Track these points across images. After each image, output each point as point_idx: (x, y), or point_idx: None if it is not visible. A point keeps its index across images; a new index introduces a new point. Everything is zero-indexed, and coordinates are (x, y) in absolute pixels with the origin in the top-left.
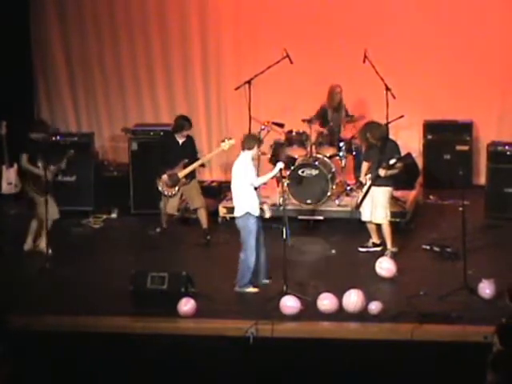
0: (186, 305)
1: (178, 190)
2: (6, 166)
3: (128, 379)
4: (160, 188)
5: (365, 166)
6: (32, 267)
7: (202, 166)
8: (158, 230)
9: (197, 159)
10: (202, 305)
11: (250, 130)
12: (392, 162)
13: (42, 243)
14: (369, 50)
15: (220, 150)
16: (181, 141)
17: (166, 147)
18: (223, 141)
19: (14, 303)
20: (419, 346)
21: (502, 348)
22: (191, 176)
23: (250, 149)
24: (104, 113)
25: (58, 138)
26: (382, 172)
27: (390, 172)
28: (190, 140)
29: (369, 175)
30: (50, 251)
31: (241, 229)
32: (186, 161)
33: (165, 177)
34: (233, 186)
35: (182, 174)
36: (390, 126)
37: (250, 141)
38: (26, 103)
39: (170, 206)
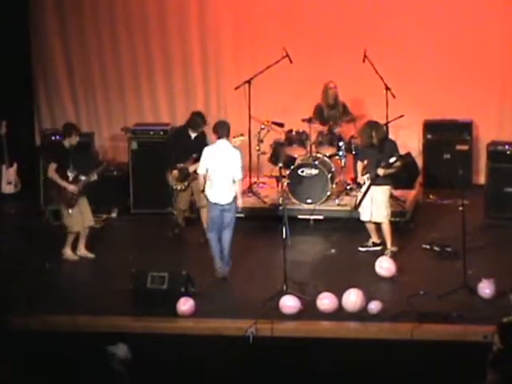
0: (185, 304)
1: (188, 184)
2: (6, 165)
3: (128, 379)
4: (170, 182)
5: (360, 166)
6: (32, 267)
7: None
8: (177, 230)
9: None
10: (202, 304)
11: (249, 129)
12: (392, 160)
13: (82, 249)
14: (368, 50)
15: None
16: (193, 135)
17: (179, 142)
18: (234, 137)
19: (14, 303)
20: (419, 345)
21: (502, 347)
22: None
23: (228, 136)
24: (104, 112)
25: (58, 138)
26: (380, 171)
27: (388, 171)
28: (202, 135)
29: (367, 175)
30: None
31: (232, 212)
32: (196, 156)
33: (175, 171)
34: (222, 173)
35: (192, 168)
36: (389, 125)
37: (227, 128)
38: (26, 103)
39: (181, 202)
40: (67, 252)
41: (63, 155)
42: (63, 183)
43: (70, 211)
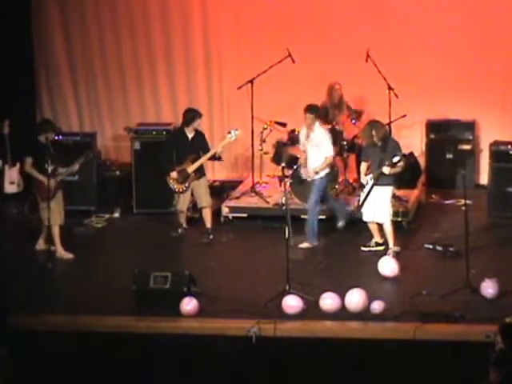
0: (189, 304)
1: (189, 185)
2: (9, 165)
3: (130, 379)
4: (170, 185)
5: (363, 166)
6: (34, 267)
7: (213, 159)
8: (180, 230)
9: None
10: (205, 304)
11: (252, 129)
12: (395, 159)
13: (62, 252)
14: (371, 50)
15: (227, 142)
16: (190, 136)
17: (176, 143)
18: (229, 132)
19: (16, 303)
20: (422, 345)
21: (504, 347)
22: (201, 172)
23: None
24: (106, 112)
25: (60, 137)
26: (386, 169)
27: (393, 170)
28: (199, 135)
29: (370, 175)
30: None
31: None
32: (195, 155)
33: (174, 173)
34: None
35: (191, 168)
36: (392, 125)
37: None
38: (29, 103)
39: (181, 203)
40: (59, 250)
41: (40, 150)
42: (39, 177)
43: (48, 204)
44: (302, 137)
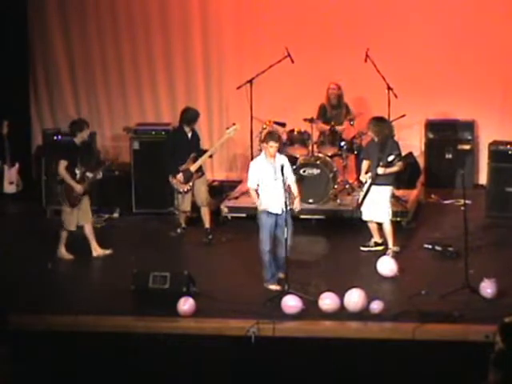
0: (185, 304)
1: (192, 184)
2: (8, 165)
3: (129, 379)
4: (175, 186)
5: (365, 164)
6: (33, 266)
7: (210, 156)
8: (179, 230)
9: (202, 151)
10: (204, 304)
11: (251, 129)
12: (390, 158)
13: (98, 249)
14: (370, 50)
15: (226, 138)
16: (189, 135)
17: (177, 143)
18: (227, 128)
19: (15, 303)
20: (421, 345)
21: (504, 347)
22: (201, 171)
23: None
24: (105, 112)
25: (59, 137)
26: (380, 170)
27: (389, 170)
28: (195, 133)
29: (369, 174)
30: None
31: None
32: (195, 154)
33: (180, 175)
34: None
35: (194, 167)
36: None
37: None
38: (28, 103)
39: (186, 203)
40: (62, 251)
41: (74, 153)
42: (72, 183)
43: (71, 209)
44: (258, 171)
